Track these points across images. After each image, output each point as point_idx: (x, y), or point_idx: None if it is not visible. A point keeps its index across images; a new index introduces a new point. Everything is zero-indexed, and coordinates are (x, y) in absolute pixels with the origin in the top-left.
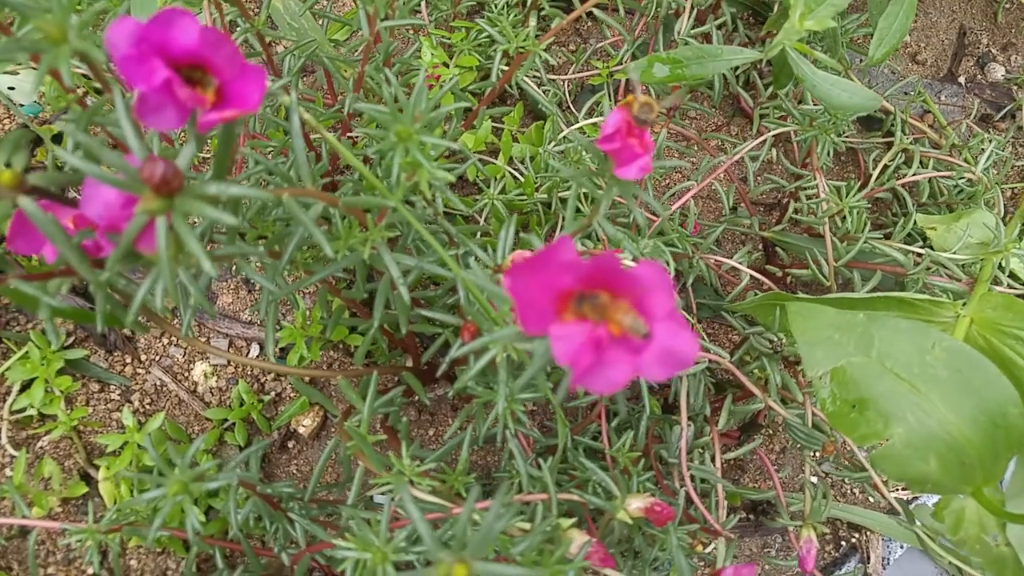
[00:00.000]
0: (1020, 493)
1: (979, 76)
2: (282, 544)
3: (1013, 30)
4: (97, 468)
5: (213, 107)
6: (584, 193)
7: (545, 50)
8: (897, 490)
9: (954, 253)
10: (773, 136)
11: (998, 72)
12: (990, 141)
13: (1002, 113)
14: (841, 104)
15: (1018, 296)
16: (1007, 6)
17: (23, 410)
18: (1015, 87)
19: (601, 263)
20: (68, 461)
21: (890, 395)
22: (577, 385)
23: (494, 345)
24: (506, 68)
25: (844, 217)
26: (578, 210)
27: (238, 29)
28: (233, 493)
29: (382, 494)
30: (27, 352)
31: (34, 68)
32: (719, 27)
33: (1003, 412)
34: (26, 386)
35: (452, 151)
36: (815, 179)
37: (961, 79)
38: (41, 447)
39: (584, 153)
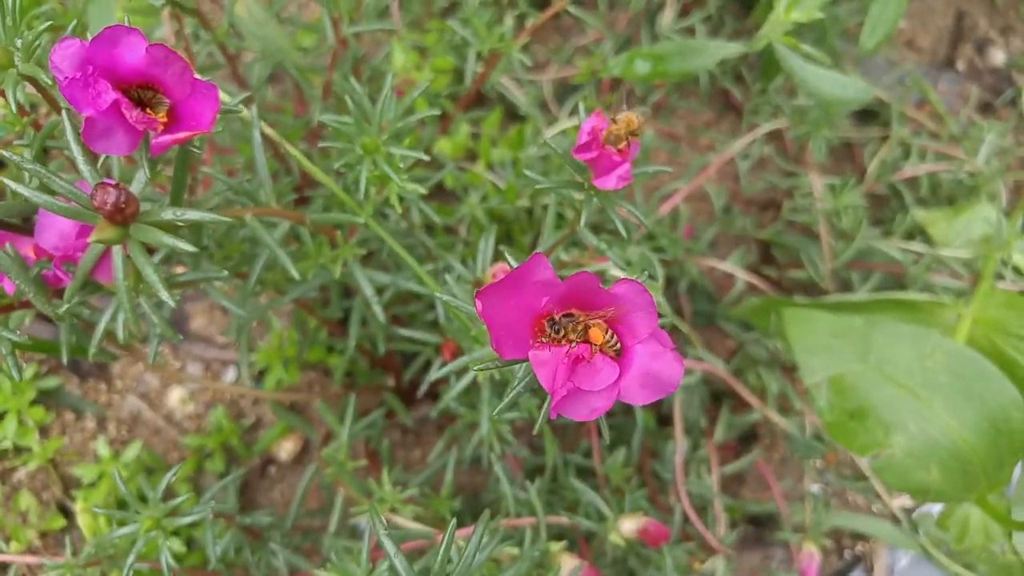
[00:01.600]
0: None
1: (978, 61)
2: (264, 574)
3: (1012, 12)
4: (74, 499)
5: (166, 129)
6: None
7: (524, 49)
8: (901, 498)
9: (956, 250)
10: (766, 132)
11: (998, 56)
12: (990, 130)
13: (1002, 99)
14: (833, 98)
15: (1022, 291)
16: None
17: None
18: (1015, 72)
19: (578, 282)
20: (45, 493)
21: (890, 403)
22: (557, 413)
23: (475, 364)
24: (481, 70)
25: (840, 216)
26: (561, 216)
27: (200, 40)
28: (210, 526)
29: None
30: None
31: None
32: (704, 20)
33: (1006, 417)
34: None
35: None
36: (809, 177)
37: (959, 65)
38: (18, 479)
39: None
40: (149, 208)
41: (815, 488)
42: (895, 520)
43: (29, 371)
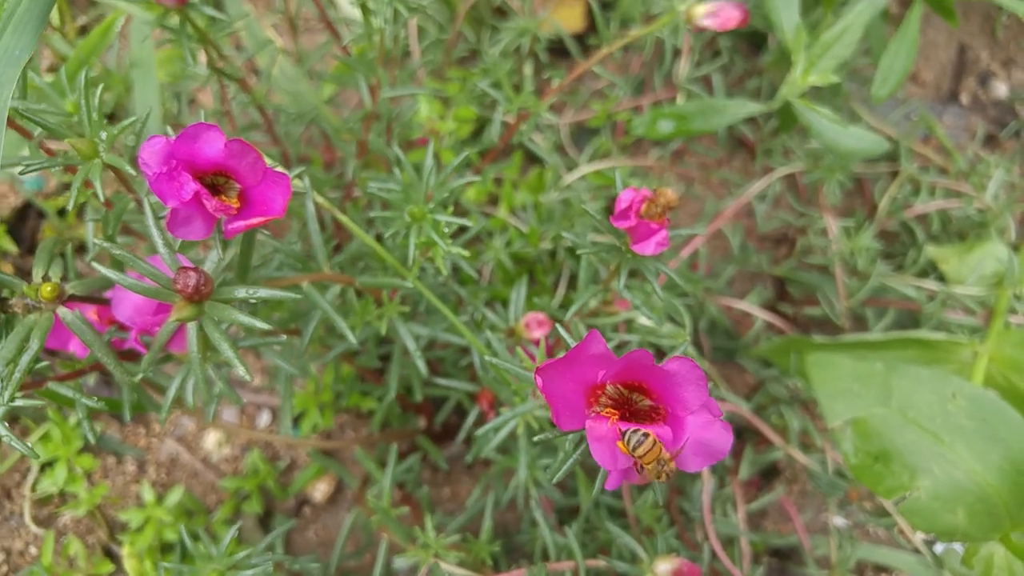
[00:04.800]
0: None
1: (981, 94)
2: None
3: (1012, 45)
4: (118, 543)
5: (238, 213)
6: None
7: (543, 97)
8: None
9: (968, 287)
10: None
11: (1000, 89)
12: (997, 166)
13: (1006, 131)
14: (848, 150)
15: None
16: (1005, 22)
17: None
18: (1018, 104)
19: (633, 359)
20: (90, 537)
21: (914, 447)
22: (616, 486)
23: (516, 418)
24: (511, 122)
25: (855, 256)
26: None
27: (235, 100)
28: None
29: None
30: (47, 432)
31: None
32: (720, 69)
33: None
34: (46, 464)
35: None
36: (824, 219)
37: (963, 98)
38: (64, 524)
39: (587, 201)
40: (223, 287)
41: (839, 521)
42: (917, 552)
43: (73, 418)
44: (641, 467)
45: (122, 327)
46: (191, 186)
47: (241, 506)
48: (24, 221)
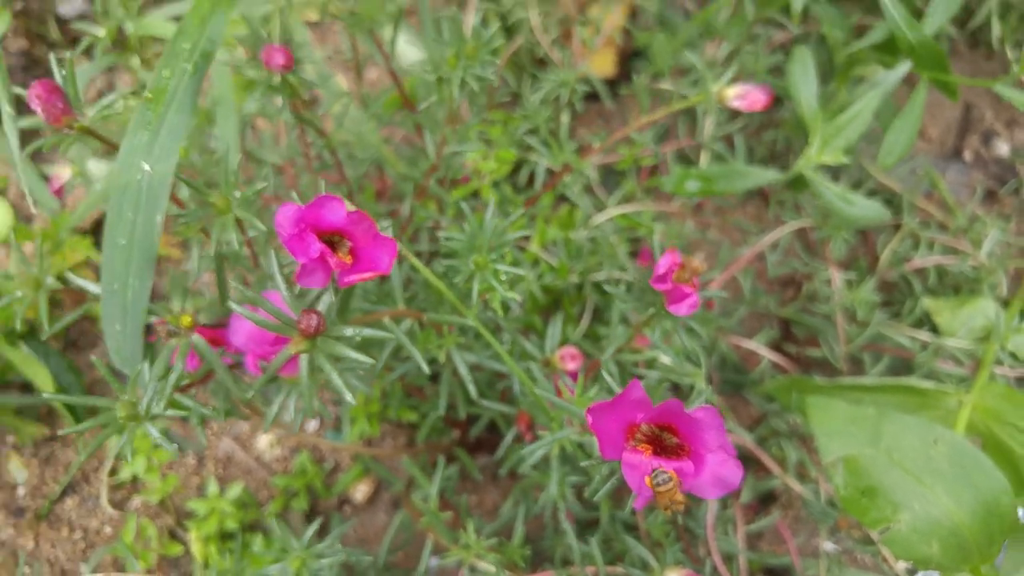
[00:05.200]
0: (1013, 572)
1: (984, 152)
2: None
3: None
4: (184, 528)
5: (351, 268)
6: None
7: (571, 135)
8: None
9: (959, 339)
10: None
11: (1003, 148)
12: (993, 226)
13: (1006, 188)
14: (854, 218)
15: (1020, 378)
16: None
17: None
18: (1019, 162)
19: (668, 407)
20: (158, 521)
21: (897, 485)
22: (642, 507)
23: (555, 443)
24: (555, 171)
25: (855, 307)
26: (604, 293)
27: (312, 143)
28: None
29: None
30: None
31: None
32: (741, 129)
33: (997, 502)
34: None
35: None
36: (828, 270)
37: (967, 155)
38: (135, 508)
39: (614, 240)
40: (334, 327)
41: (830, 546)
42: None
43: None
44: (655, 497)
45: (235, 350)
46: (317, 246)
47: (290, 502)
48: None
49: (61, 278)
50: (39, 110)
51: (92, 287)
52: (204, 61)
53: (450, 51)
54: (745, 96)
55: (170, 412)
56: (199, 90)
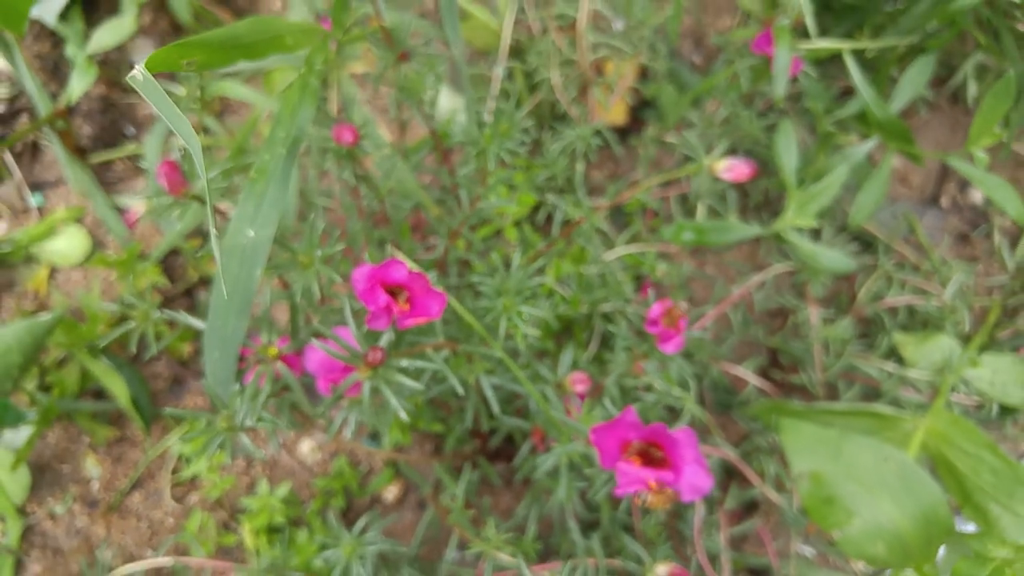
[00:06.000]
0: (949, 569)
1: (959, 199)
2: None
3: (992, 158)
4: (237, 522)
5: (408, 313)
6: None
7: (585, 178)
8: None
9: (920, 371)
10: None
11: (977, 195)
12: (958, 269)
13: (978, 231)
14: (825, 267)
15: (974, 405)
16: None
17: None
18: (991, 209)
19: (655, 429)
20: (214, 515)
21: (852, 495)
22: (621, 495)
23: (566, 456)
24: (570, 220)
25: (830, 342)
26: (610, 320)
27: (363, 193)
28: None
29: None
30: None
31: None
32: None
33: (935, 511)
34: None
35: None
36: (808, 309)
37: (943, 201)
38: (193, 502)
39: (620, 277)
40: (392, 359)
41: (805, 549)
42: None
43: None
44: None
45: (310, 374)
46: (384, 298)
47: (329, 501)
48: (168, 257)
49: (168, 309)
50: (164, 183)
51: (197, 323)
52: (295, 145)
53: (487, 129)
54: (732, 169)
55: (259, 425)
56: (292, 169)
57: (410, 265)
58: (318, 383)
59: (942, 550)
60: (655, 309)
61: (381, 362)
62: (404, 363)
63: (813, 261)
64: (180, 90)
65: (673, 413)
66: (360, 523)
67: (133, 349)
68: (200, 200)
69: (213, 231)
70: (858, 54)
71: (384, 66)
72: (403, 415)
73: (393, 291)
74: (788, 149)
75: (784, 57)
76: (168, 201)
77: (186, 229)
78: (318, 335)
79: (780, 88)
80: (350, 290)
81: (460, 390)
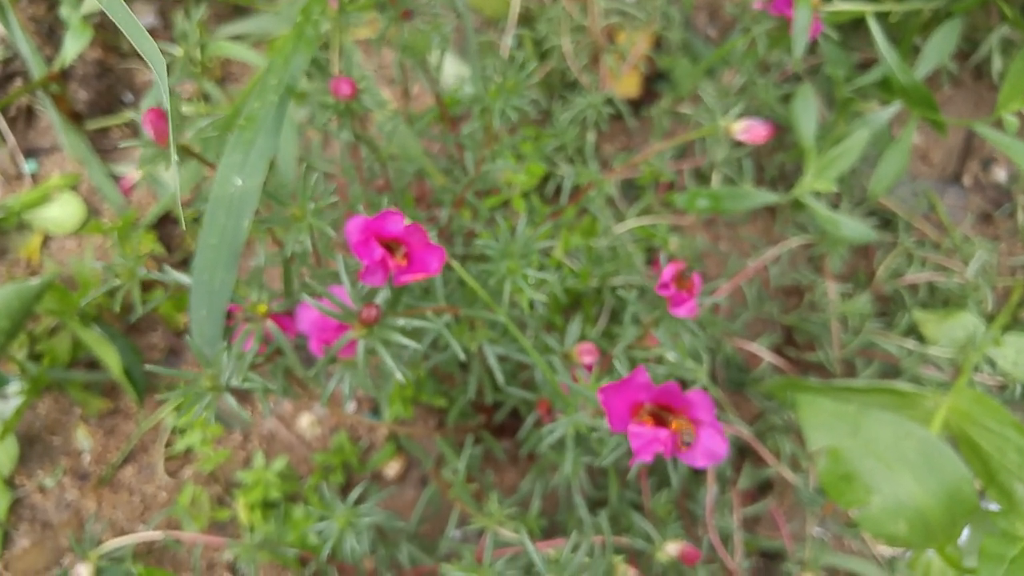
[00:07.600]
0: (973, 551)
1: (982, 177)
2: (386, 565)
3: (1017, 135)
4: (231, 496)
5: (406, 269)
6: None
7: (596, 151)
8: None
9: (942, 349)
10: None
11: (1000, 174)
12: (981, 247)
13: (1001, 211)
14: (844, 236)
15: (997, 385)
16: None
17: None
18: (1015, 188)
19: (667, 388)
20: (208, 489)
21: (871, 472)
22: (637, 460)
23: (573, 426)
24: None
25: (848, 318)
26: (620, 299)
27: (365, 157)
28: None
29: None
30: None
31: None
32: (749, 154)
33: (959, 488)
34: (176, 428)
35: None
36: (826, 283)
37: (966, 180)
38: (187, 476)
39: (631, 249)
40: (388, 317)
41: (818, 531)
42: (877, 562)
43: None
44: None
45: (300, 334)
46: (379, 251)
47: (327, 477)
48: (165, 226)
49: (155, 269)
50: (150, 131)
51: (184, 278)
52: (288, 93)
53: (492, 85)
54: (749, 130)
55: (245, 385)
56: (283, 118)
57: (406, 218)
58: (311, 343)
59: (966, 531)
60: (667, 271)
61: (376, 320)
62: (401, 322)
63: (833, 228)
64: (177, 51)
65: (683, 388)
66: (355, 493)
67: (117, 309)
68: (190, 153)
69: (174, 156)
70: (881, 19)
71: (387, 25)
72: (400, 377)
73: (390, 245)
74: (807, 113)
75: (804, 16)
76: (155, 151)
77: (181, 192)
78: (311, 293)
79: (799, 48)
80: (347, 250)
81: (462, 355)
